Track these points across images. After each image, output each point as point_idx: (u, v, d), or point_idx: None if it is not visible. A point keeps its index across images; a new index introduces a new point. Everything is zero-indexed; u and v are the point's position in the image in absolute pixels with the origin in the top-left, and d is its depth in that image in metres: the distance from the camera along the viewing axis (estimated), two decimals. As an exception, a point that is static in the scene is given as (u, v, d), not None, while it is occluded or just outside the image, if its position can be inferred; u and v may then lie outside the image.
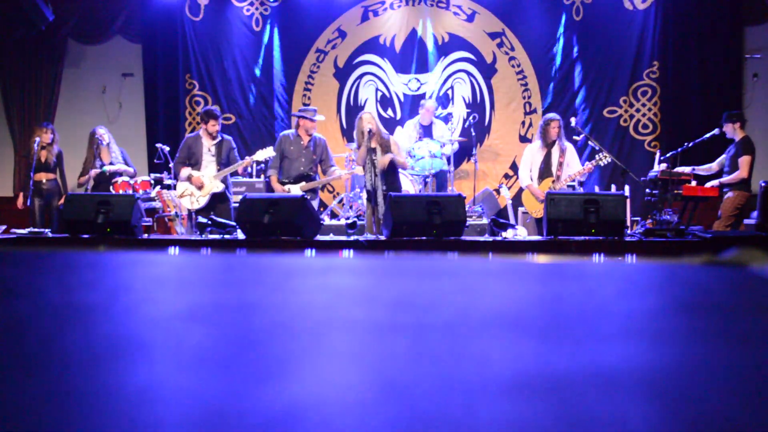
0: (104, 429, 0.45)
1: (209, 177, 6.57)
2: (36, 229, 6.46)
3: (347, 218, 6.54)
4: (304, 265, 1.63)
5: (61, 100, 9.27)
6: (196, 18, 9.13)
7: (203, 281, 1.32)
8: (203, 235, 5.77)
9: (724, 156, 6.70)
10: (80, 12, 9.06)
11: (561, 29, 8.76)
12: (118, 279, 1.34)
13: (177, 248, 5.09)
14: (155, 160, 7.97)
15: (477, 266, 1.63)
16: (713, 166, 6.72)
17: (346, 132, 9.01)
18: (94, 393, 0.52)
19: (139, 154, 8.87)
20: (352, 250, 5.05)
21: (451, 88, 8.94)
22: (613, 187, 7.68)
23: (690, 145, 6.59)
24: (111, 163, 7.37)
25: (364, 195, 6.64)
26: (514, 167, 8.79)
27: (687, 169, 6.50)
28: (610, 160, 6.55)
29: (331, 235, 6.15)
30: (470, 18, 8.92)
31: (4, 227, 6.25)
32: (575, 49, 8.75)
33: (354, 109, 9.01)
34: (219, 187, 6.57)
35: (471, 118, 8.26)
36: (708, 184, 6.51)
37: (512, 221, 6.63)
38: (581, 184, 6.74)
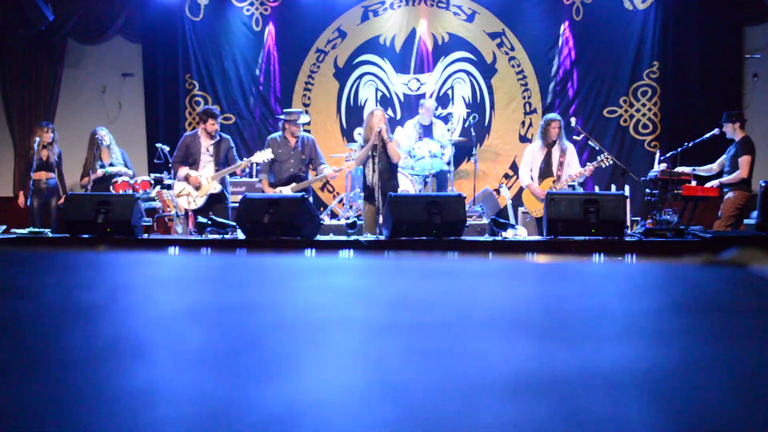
0: (104, 429, 0.45)
1: (207, 177, 6.56)
2: (36, 229, 6.45)
3: (347, 218, 6.54)
4: (304, 265, 1.63)
5: (61, 100, 9.27)
6: (196, 18, 9.13)
7: (203, 281, 1.32)
8: (203, 235, 5.77)
9: (724, 156, 6.70)
10: (80, 12, 9.06)
11: (561, 29, 8.76)
12: (118, 279, 1.34)
13: (177, 248, 5.09)
14: (155, 160, 7.97)
15: (477, 266, 1.63)
16: (714, 167, 6.72)
17: (346, 132, 9.01)
18: (95, 393, 0.52)
19: (139, 154, 8.87)
20: (352, 250, 5.05)
21: (451, 88, 8.94)
22: (613, 187, 7.68)
23: (690, 145, 6.59)
24: (111, 164, 7.36)
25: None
26: (514, 167, 8.79)
27: (688, 170, 6.49)
28: (611, 162, 6.54)
29: (331, 235, 6.15)
30: (470, 18, 8.92)
31: (4, 227, 6.25)
32: (575, 49, 8.75)
33: (354, 109, 9.01)
34: (216, 187, 6.57)
35: (471, 118, 8.26)
36: (708, 184, 6.51)
37: (512, 221, 6.63)
38: (581, 184, 6.74)
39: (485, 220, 6.96)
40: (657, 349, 0.68)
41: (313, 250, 5.04)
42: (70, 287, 1.15)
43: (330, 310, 0.92)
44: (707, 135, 6.65)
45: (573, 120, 7.24)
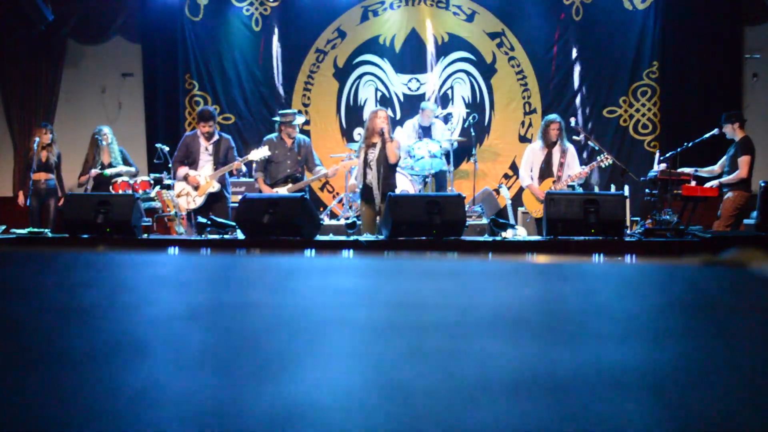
0: (104, 429, 0.45)
1: (205, 177, 6.57)
2: (36, 229, 6.45)
3: (347, 218, 6.54)
4: (304, 265, 1.63)
5: (61, 100, 9.27)
6: (195, 18, 9.13)
7: (203, 281, 1.32)
8: (203, 235, 5.77)
9: (724, 157, 6.70)
10: (80, 12, 9.06)
11: (561, 29, 8.76)
12: (118, 279, 1.34)
13: (177, 248, 5.09)
14: (155, 160, 7.97)
15: (477, 266, 1.63)
16: (716, 168, 6.72)
17: (345, 132, 9.01)
18: (94, 393, 0.52)
19: (138, 154, 8.87)
20: (351, 250, 5.05)
21: (451, 88, 8.94)
22: (613, 187, 7.68)
23: (690, 145, 6.59)
24: (111, 164, 7.36)
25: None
26: (513, 167, 8.79)
27: (690, 170, 6.49)
28: (611, 161, 6.54)
29: (331, 235, 6.15)
30: (470, 18, 8.92)
31: (3, 227, 6.25)
32: (575, 49, 8.75)
33: (354, 109, 9.01)
34: (215, 186, 6.57)
35: (471, 118, 8.26)
36: (707, 184, 6.51)
37: (512, 221, 6.63)
38: (581, 184, 6.74)
39: (485, 220, 6.96)
40: (657, 349, 0.68)
41: (313, 250, 5.04)
42: (70, 287, 1.15)
43: (330, 310, 0.92)
44: (707, 135, 6.65)
45: (573, 120, 7.24)
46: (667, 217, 5.87)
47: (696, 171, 6.58)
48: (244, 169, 7.06)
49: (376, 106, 8.90)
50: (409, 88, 8.98)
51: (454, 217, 5.28)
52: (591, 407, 0.49)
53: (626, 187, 6.84)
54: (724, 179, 6.51)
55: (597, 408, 0.49)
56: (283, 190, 6.54)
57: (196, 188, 6.57)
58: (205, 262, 1.82)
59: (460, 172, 8.63)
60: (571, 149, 6.71)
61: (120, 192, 6.99)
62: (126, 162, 7.49)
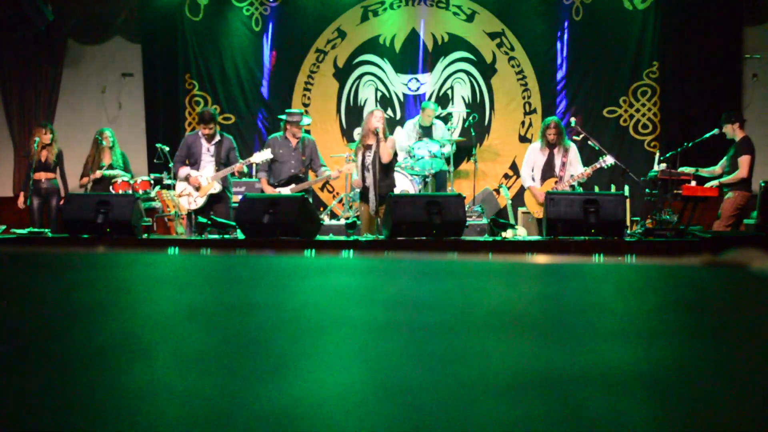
0: (104, 427, 0.45)
1: (207, 177, 6.57)
2: (36, 229, 6.45)
3: (347, 218, 6.54)
4: (304, 265, 1.63)
5: (61, 100, 9.27)
6: (195, 18, 9.13)
7: (203, 281, 1.32)
8: (203, 235, 5.77)
9: (725, 158, 6.70)
10: (80, 12, 9.06)
11: (561, 29, 8.76)
12: (119, 279, 1.34)
13: (177, 248, 5.09)
14: (155, 160, 7.97)
15: (477, 266, 1.63)
16: (716, 169, 6.71)
17: (345, 132, 9.01)
18: (95, 392, 0.52)
19: (138, 154, 8.87)
20: (352, 250, 5.05)
21: (451, 88, 8.94)
22: (613, 187, 7.68)
23: (690, 145, 6.59)
24: (111, 166, 7.36)
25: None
26: (514, 167, 8.78)
27: (691, 170, 6.48)
28: (612, 162, 6.50)
29: (331, 235, 6.15)
30: (470, 18, 8.92)
31: (4, 227, 6.25)
32: (575, 49, 8.75)
33: (354, 109, 9.01)
34: (216, 187, 6.57)
35: (471, 118, 8.26)
36: (708, 184, 6.51)
37: (512, 221, 6.62)
38: (581, 184, 6.73)
39: (485, 220, 6.96)
40: (656, 348, 0.68)
41: (313, 250, 5.04)
42: (70, 287, 1.15)
43: (330, 310, 0.92)
44: (707, 135, 6.65)
45: (573, 120, 7.24)
46: (667, 217, 5.87)
47: (697, 171, 6.58)
48: (245, 169, 7.06)
49: (376, 106, 8.91)
50: (409, 88, 8.98)
51: (454, 217, 5.28)
52: (590, 407, 0.49)
53: (626, 187, 6.84)
54: (725, 179, 6.51)
55: (596, 408, 0.49)
56: (286, 191, 6.54)
57: (197, 189, 6.57)
58: (205, 262, 1.82)
59: (460, 172, 8.62)
60: (572, 148, 6.70)
61: (120, 192, 6.99)
62: (126, 168, 7.49)
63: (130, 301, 1.02)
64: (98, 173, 7.19)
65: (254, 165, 6.74)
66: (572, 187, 6.53)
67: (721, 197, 6.56)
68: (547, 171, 6.64)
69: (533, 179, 6.68)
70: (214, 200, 6.58)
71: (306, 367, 0.60)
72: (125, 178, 7.24)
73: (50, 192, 7.51)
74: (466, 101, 8.88)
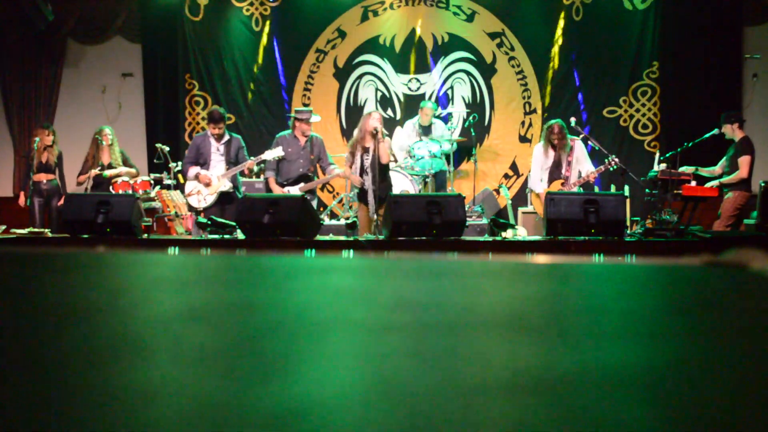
0: (104, 427, 0.45)
1: (217, 176, 6.57)
2: (36, 229, 6.45)
3: (347, 218, 6.54)
4: (304, 265, 1.63)
5: (61, 100, 9.27)
6: (195, 18, 9.13)
7: (203, 281, 1.32)
8: (203, 235, 5.77)
9: (725, 158, 6.70)
10: (80, 12, 9.06)
11: (561, 29, 8.76)
12: (119, 279, 1.34)
13: (177, 248, 5.09)
14: (155, 160, 7.97)
15: (477, 266, 1.63)
16: (716, 170, 6.71)
17: (345, 132, 9.01)
18: (95, 392, 0.52)
19: (138, 154, 8.87)
20: (352, 250, 5.05)
21: (451, 88, 8.94)
22: (613, 187, 7.68)
23: (690, 145, 6.59)
24: (110, 165, 7.35)
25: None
26: (514, 167, 8.79)
27: (691, 169, 6.48)
28: (618, 164, 6.46)
29: (331, 235, 6.14)
30: (470, 18, 8.92)
31: (4, 227, 6.25)
32: (575, 49, 8.75)
33: (354, 109, 9.01)
34: (227, 185, 6.57)
35: (471, 118, 8.26)
36: (708, 184, 6.51)
37: (512, 221, 6.62)
38: (583, 185, 6.72)
39: (485, 220, 6.95)
40: (656, 348, 0.68)
41: (313, 250, 5.04)
42: (70, 287, 1.15)
43: (330, 310, 0.92)
44: (707, 135, 6.65)
45: (573, 120, 7.24)
46: (667, 217, 5.87)
47: (697, 170, 6.57)
48: (255, 168, 7.05)
49: (376, 106, 8.91)
50: (409, 88, 8.98)
51: (454, 217, 5.28)
52: (591, 407, 0.49)
53: (626, 187, 6.83)
54: (725, 179, 6.51)
55: (597, 408, 0.49)
56: (294, 190, 6.53)
57: (207, 186, 6.56)
58: (205, 262, 1.82)
59: (460, 172, 8.63)
60: (577, 145, 6.68)
61: (120, 192, 6.99)
62: (126, 163, 7.49)
63: (130, 301, 1.02)
64: (93, 172, 7.17)
65: (263, 163, 6.72)
66: (583, 186, 6.50)
67: (721, 197, 6.55)
68: (554, 172, 6.63)
69: (541, 180, 6.66)
70: (224, 200, 6.56)
71: (306, 367, 0.60)
72: (126, 178, 7.23)
73: (51, 193, 7.51)
74: (466, 101, 8.88)
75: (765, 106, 8.37)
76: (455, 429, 0.45)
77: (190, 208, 6.69)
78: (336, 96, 9.10)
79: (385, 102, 8.98)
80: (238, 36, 9.15)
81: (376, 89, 9.03)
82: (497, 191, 8.25)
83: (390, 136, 6.92)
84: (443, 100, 8.88)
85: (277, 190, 6.55)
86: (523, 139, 8.79)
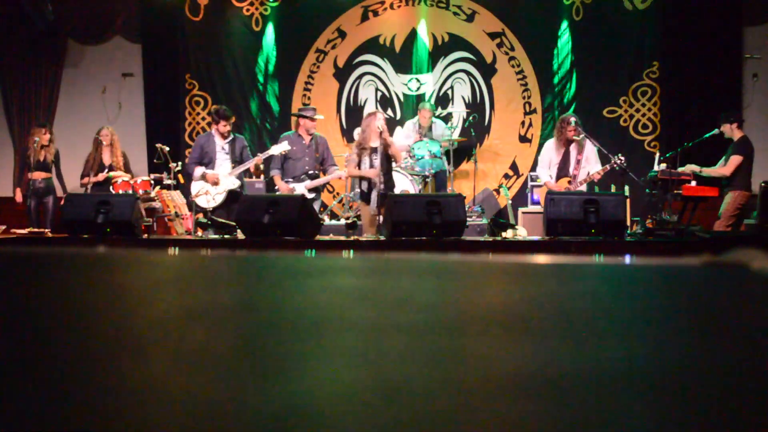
0: (105, 427, 0.45)
1: (224, 175, 6.57)
2: (36, 229, 6.45)
3: (347, 218, 6.54)
4: (304, 265, 1.63)
5: (61, 100, 9.27)
6: (195, 18, 9.13)
7: (203, 281, 1.32)
8: (203, 235, 5.77)
9: (723, 158, 6.70)
10: (80, 12, 9.06)
11: (561, 29, 8.75)
12: (118, 279, 1.34)
13: (177, 248, 5.09)
14: (155, 160, 7.97)
15: (477, 266, 1.63)
16: (716, 170, 6.71)
17: (345, 132, 9.01)
18: (94, 393, 0.52)
19: (138, 154, 8.87)
20: (352, 250, 5.05)
21: (451, 88, 8.94)
22: (613, 187, 7.68)
23: (690, 145, 6.59)
24: (111, 165, 7.36)
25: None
26: (514, 167, 8.79)
27: (695, 168, 6.47)
28: (622, 162, 6.44)
29: (331, 235, 6.15)
30: (470, 18, 8.91)
31: (3, 227, 6.25)
32: (575, 49, 8.74)
33: (354, 109, 9.01)
34: (235, 183, 6.58)
35: (471, 118, 8.25)
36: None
37: (512, 221, 6.62)
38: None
39: (485, 220, 6.95)
40: (656, 349, 0.68)
41: (313, 250, 5.04)
42: (70, 287, 1.15)
43: (330, 310, 0.92)
44: (707, 135, 6.65)
45: (573, 120, 7.22)
46: (667, 217, 5.87)
47: (701, 171, 6.56)
48: (262, 166, 7.05)
49: (376, 106, 8.91)
50: (409, 88, 8.98)
51: (454, 217, 5.28)
52: (591, 407, 0.49)
53: (626, 187, 6.83)
54: (705, 170, 6.50)
55: (597, 408, 0.49)
56: (300, 188, 6.53)
57: (215, 185, 6.54)
58: (205, 262, 1.81)
59: (460, 172, 8.62)
60: (589, 145, 6.66)
61: (120, 192, 6.99)
62: (127, 168, 7.49)
63: (130, 301, 1.02)
64: (101, 176, 7.17)
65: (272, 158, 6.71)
66: (590, 185, 6.49)
67: (722, 197, 6.56)
68: (562, 169, 6.62)
69: (550, 176, 6.65)
70: (232, 198, 6.56)
71: (306, 367, 0.60)
72: (126, 178, 7.24)
73: (46, 192, 7.51)
74: (466, 101, 8.88)
75: (765, 106, 8.36)
76: (455, 429, 0.45)
77: (198, 208, 6.67)
78: (336, 96, 9.10)
79: (385, 102, 8.98)
80: (238, 36, 9.15)
81: (376, 89, 9.03)
82: (497, 191, 8.25)
83: (390, 136, 6.92)
84: (443, 101, 8.88)
85: (284, 188, 6.55)
86: (523, 139, 8.79)
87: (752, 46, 8.46)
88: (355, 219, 6.16)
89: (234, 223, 5.70)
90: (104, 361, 0.62)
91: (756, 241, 5.22)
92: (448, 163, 7.70)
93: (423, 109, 7.86)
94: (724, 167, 6.48)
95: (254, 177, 7.66)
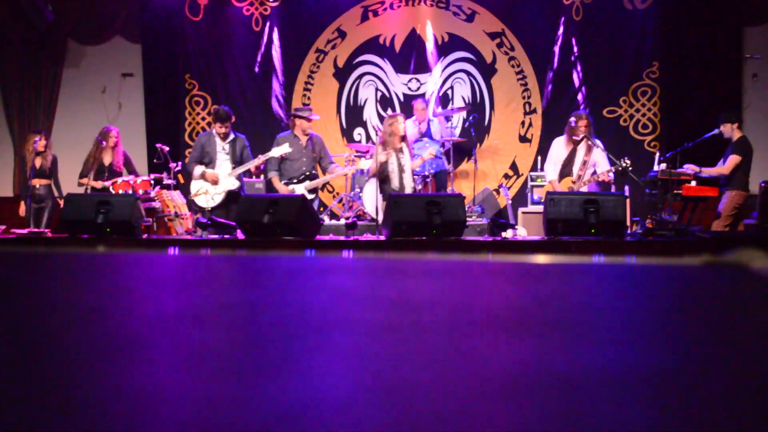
0: (104, 429, 0.45)
1: (224, 175, 6.56)
2: (36, 229, 6.45)
3: (347, 218, 6.54)
4: (304, 265, 1.63)
5: (61, 100, 9.27)
6: (195, 18, 9.13)
7: (203, 281, 1.32)
8: (203, 235, 5.77)
9: (722, 159, 6.70)
10: (80, 12, 9.06)
11: (561, 29, 8.75)
12: (118, 279, 1.34)
13: (177, 248, 5.09)
14: (155, 160, 7.97)
15: (477, 266, 1.63)
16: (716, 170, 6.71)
17: (345, 132, 9.02)
18: (94, 393, 0.52)
19: (138, 154, 8.86)
20: (352, 250, 5.05)
21: (451, 88, 8.94)
22: (613, 187, 7.68)
23: (690, 145, 6.59)
24: (111, 165, 7.35)
25: (367, 196, 6.63)
26: (514, 167, 8.79)
27: (695, 168, 6.46)
28: (628, 165, 6.42)
29: (331, 235, 6.15)
30: (470, 18, 8.91)
31: (3, 227, 6.25)
32: (575, 49, 8.74)
33: (354, 109, 9.01)
34: (235, 184, 6.57)
35: (471, 118, 8.25)
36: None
37: (512, 221, 6.62)
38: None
39: (485, 220, 6.95)
40: (657, 349, 0.68)
41: (313, 250, 5.04)
42: (70, 287, 1.15)
43: (330, 310, 0.92)
44: (707, 135, 6.65)
45: (573, 120, 7.23)
46: (667, 217, 5.86)
47: (700, 171, 6.56)
48: (262, 166, 7.04)
49: (376, 106, 8.91)
50: (409, 88, 8.98)
51: (454, 217, 5.28)
52: (591, 407, 0.49)
53: (626, 187, 6.82)
54: (705, 170, 6.50)
55: (597, 408, 0.49)
56: (299, 188, 6.53)
57: (214, 184, 6.53)
58: (205, 262, 1.82)
59: (460, 172, 8.62)
60: (598, 149, 6.64)
61: (120, 192, 6.99)
62: (130, 168, 7.49)
63: (130, 300, 1.02)
64: (99, 184, 7.15)
65: (270, 160, 6.71)
66: (606, 186, 6.46)
67: (721, 197, 6.56)
68: (566, 167, 6.60)
69: (555, 174, 6.64)
70: (232, 199, 6.55)
71: (306, 368, 0.60)
72: (126, 178, 7.23)
73: (45, 198, 7.51)
74: (466, 101, 8.88)
75: (765, 106, 8.36)
76: (455, 429, 0.45)
77: (198, 208, 6.66)
78: (336, 96, 9.10)
79: (385, 102, 8.98)
80: (238, 36, 9.15)
81: (376, 89, 9.03)
82: (497, 191, 8.25)
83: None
84: (443, 100, 8.88)
85: (283, 190, 6.55)
86: (523, 139, 8.79)
87: (752, 46, 8.46)
88: (355, 219, 6.16)
89: (234, 223, 5.69)
90: (104, 361, 0.62)
91: (756, 241, 5.22)
92: (448, 163, 7.70)
93: (415, 102, 7.90)
94: (723, 167, 6.48)
95: (254, 177, 7.66)
